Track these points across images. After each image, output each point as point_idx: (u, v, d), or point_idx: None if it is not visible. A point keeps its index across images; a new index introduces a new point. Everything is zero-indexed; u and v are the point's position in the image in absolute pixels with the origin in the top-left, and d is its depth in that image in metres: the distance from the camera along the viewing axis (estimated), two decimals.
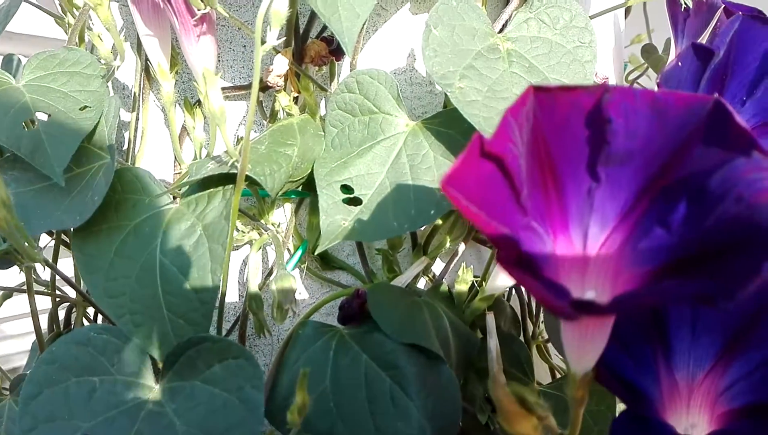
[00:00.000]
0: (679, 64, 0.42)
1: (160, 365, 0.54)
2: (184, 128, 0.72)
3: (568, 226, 0.35)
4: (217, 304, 0.56)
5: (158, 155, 0.73)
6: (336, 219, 0.55)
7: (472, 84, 0.51)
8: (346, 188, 0.57)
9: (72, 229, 0.57)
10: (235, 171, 0.50)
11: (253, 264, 0.60)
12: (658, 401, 0.42)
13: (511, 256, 0.28)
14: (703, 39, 0.70)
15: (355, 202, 0.56)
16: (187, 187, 0.57)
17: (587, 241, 0.35)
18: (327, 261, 0.70)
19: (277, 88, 0.56)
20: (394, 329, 0.53)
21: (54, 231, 0.76)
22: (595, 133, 0.34)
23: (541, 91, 0.33)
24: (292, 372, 0.55)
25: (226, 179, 0.54)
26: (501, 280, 0.58)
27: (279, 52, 0.56)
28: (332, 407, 0.52)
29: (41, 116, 0.61)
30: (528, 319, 0.69)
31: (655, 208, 0.33)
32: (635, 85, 0.99)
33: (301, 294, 0.70)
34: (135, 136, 0.74)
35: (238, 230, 0.67)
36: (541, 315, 0.70)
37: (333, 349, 0.55)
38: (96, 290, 0.55)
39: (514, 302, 0.71)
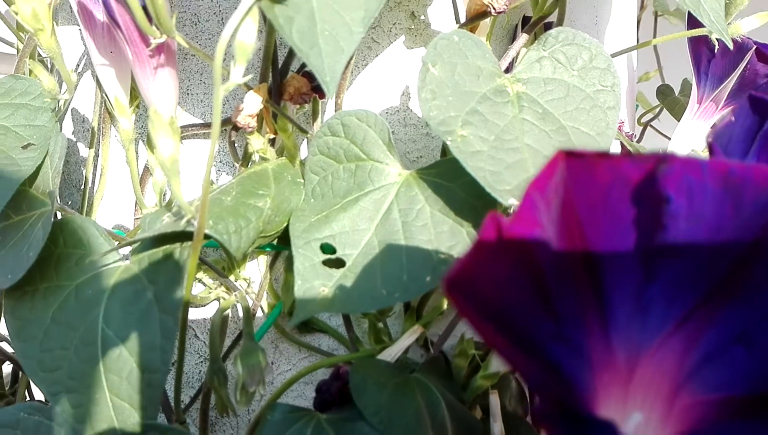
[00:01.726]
0: (733, 119, 0.35)
1: None
2: (146, 168, 0.63)
3: (609, 335, 0.27)
4: (172, 376, 0.48)
5: (119, 196, 0.65)
6: (314, 284, 0.47)
7: (476, 132, 0.43)
8: (326, 247, 0.49)
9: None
10: (193, 229, 0.42)
11: (216, 332, 0.51)
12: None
13: (548, 400, 0.19)
14: (731, 82, 0.63)
15: (338, 264, 0.48)
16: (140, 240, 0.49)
17: (633, 353, 0.27)
18: (306, 323, 0.61)
19: (249, 130, 0.48)
20: (381, 419, 0.45)
21: None
22: (647, 215, 0.26)
23: (573, 158, 0.25)
24: None
25: (183, 235, 0.46)
26: None
27: (251, 88, 0.48)
28: None
29: None
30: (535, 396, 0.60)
31: (731, 315, 0.25)
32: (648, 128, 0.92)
33: (276, 361, 0.61)
34: (94, 174, 0.66)
35: (204, 285, 0.59)
36: None
37: None
38: (29, 362, 0.47)
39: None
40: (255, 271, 0.61)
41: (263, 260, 0.60)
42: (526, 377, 0.22)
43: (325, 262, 0.48)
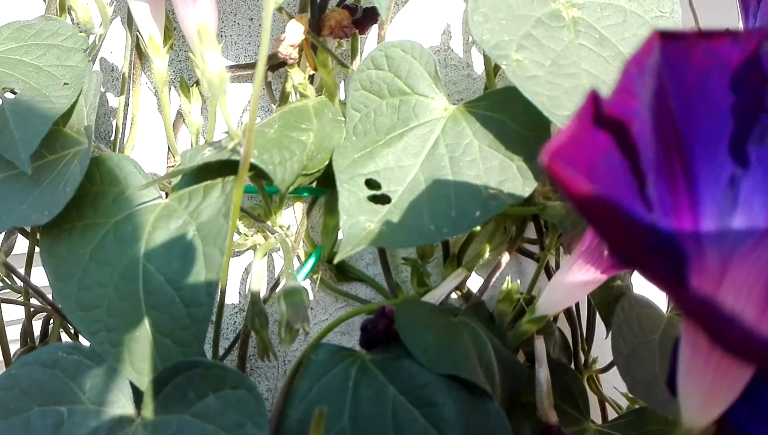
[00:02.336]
0: None
1: (143, 394, 0.44)
2: (179, 114, 0.62)
3: (699, 232, 0.25)
4: (213, 320, 0.46)
5: (149, 146, 0.64)
6: (359, 220, 0.45)
7: (531, 56, 0.42)
8: (371, 184, 0.47)
9: (41, 227, 0.48)
10: (237, 158, 0.41)
11: (256, 273, 0.50)
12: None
13: (663, 267, 0.18)
14: None
15: (383, 200, 0.46)
16: (179, 178, 0.47)
17: (725, 252, 0.25)
18: (343, 271, 0.60)
19: (290, 62, 0.47)
20: (429, 357, 0.43)
21: (28, 230, 0.66)
22: (747, 100, 0.24)
23: (668, 40, 0.24)
24: (303, 406, 0.45)
25: (225, 169, 0.44)
26: (558, 298, 0.48)
27: (292, 17, 0.46)
28: None
29: (9, 95, 0.51)
30: (580, 345, 0.59)
31: None
32: None
33: (313, 310, 0.60)
34: (124, 124, 0.65)
35: (239, 233, 0.58)
36: (594, 340, 0.60)
37: (353, 379, 0.45)
38: (66, 301, 0.45)
39: (561, 324, 0.61)
40: (291, 220, 0.60)
41: (299, 208, 0.59)
42: (632, 259, 0.21)
43: (370, 198, 0.46)
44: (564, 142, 0.20)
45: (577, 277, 0.46)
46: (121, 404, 0.45)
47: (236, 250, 0.59)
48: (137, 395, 0.45)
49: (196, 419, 0.43)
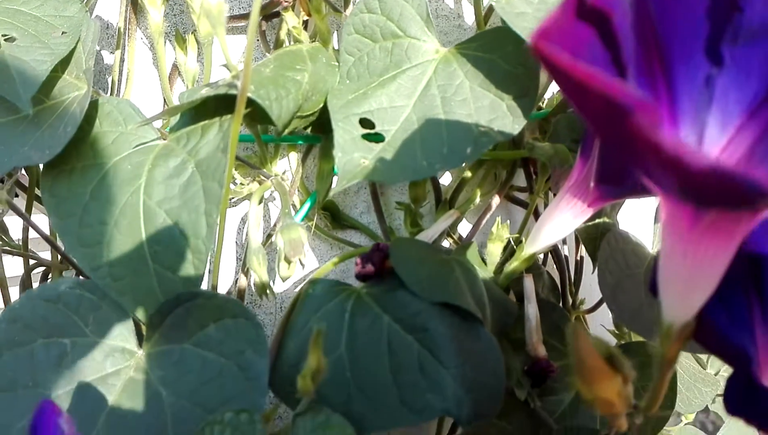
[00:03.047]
0: None
1: (144, 326, 0.45)
2: (174, 67, 0.63)
3: (677, 125, 0.27)
4: (212, 256, 0.48)
5: (145, 100, 0.65)
6: (354, 157, 0.46)
7: None
8: (365, 123, 0.48)
9: (42, 168, 0.49)
10: (235, 92, 0.42)
11: (253, 216, 0.51)
12: (756, 362, 0.33)
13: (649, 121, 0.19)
14: None
15: (377, 138, 0.48)
16: (177, 120, 0.48)
17: (703, 144, 0.27)
18: (338, 219, 0.61)
19: (285, 5, 0.48)
20: (423, 287, 0.45)
21: (26, 185, 0.67)
22: (722, 2, 0.26)
23: None
24: (301, 336, 0.46)
25: (222, 107, 0.45)
26: (547, 233, 0.49)
27: None
28: (348, 378, 0.44)
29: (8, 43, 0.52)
30: (567, 288, 0.60)
31: None
32: None
33: (308, 256, 0.61)
34: (119, 79, 0.66)
35: (235, 183, 0.59)
36: (582, 282, 0.62)
37: (349, 311, 0.47)
38: (68, 238, 0.47)
39: (550, 269, 0.62)
40: (286, 169, 0.61)
41: (294, 158, 0.60)
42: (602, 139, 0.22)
43: (365, 137, 0.48)
44: (549, 26, 0.22)
45: (564, 211, 0.48)
46: (124, 337, 0.46)
47: (232, 199, 0.60)
48: (139, 328, 0.46)
49: (197, 348, 0.44)
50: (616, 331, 0.61)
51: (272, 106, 0.44)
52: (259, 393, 0.42)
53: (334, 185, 0.56)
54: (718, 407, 0.91)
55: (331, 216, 0.61)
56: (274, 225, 0.61)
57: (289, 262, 0.47)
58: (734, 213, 0.23)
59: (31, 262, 0.69)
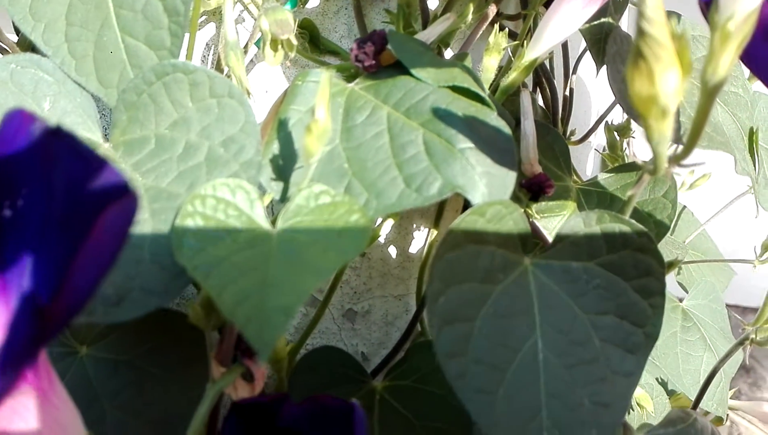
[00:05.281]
0: None
1: (112, 111, 0.40)
2: None
3: None
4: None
5: None
6: None
7: None
8: None
9: None
10: None
11: (229, 8, 0.45)
12: None
13: None
14: None
15: None
16: None
17: None
18: (316, 43, 0.56)
19: None
20: (428, 71, 0.41)
21: None
22: None
23: None
24: (290, 133, 0.42)
25: None
26: (548, 35, 0.46)
27: None
28: (346, 168, 0.40)
29: None
30: (558, 118, 0.58)
31: None
32: None
33: (281, 82, 0.56)
34: None
35: None
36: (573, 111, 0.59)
37: (343, 106, 0.43)
38: (18, 11, 0.40)
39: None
40: None
41: None
42: None
43: None
44: None
45: (566, 10, 0.45)
46: (87, 126, 0.41)
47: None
48: (104, 114, 0.41)
49: (175, 132, 0.39)
50: (610, 154, 0.60)
51: None
52: (253, 178, 0.38)
53: None
54: None
55: (310, 40, 0.56)
56: (245, 46, 0.55)
57: (275, 47, 0.42)
58: None
59: None
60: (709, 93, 0.29)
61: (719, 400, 0.70)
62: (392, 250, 0.61)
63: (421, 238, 0.62)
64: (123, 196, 0.20)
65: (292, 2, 0.50)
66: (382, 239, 0.61)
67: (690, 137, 0.31)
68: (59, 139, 0.23)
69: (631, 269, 0.39)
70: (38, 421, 0.26)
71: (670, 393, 0.73)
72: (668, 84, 0.26)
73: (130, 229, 0.20)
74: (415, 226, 0.61)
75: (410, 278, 0.62)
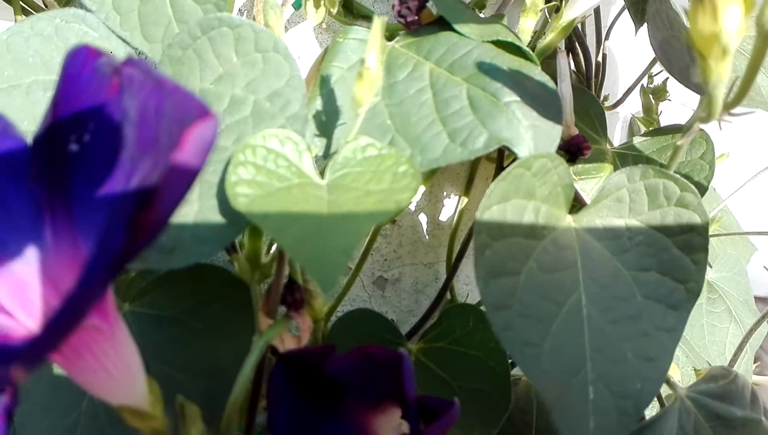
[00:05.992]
0: None
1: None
2: None
3: None
4: None
5: None
6: None
7: None
8: None
9: None
10: None
11: None
12: None
13: None
14: None
15: None
16: None
17: None
18: (350, 8, 0.56)
19: None
20: (471, 27, 0.41)
21: None
22: None
23: None
24: (332, 90, 0.42)
25: None
26: (584, 0, 0.46)
27: None
28: (389, 125, 0.40)
29: None
30: (593, 83, 0.58)
31: None
32: None
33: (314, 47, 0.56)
34: None
35: None
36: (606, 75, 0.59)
37: (384, 65, 0.43)
38: None
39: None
40: None
41: None
42: None
43: None
44: None
45: None
46: None
47: None
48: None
49: (220, 87, 0.39)
50: (645, 117, 0.60)
51: None
52: (299, 132, 0.38)
53: None
54: None
55: (344, 5, 0.56)
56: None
57: (318, 4, 0.42)
58: None
59: None
60: (766, 36, 0.29)
61: (744, 371, 0.71)
62: (422, 218, 0.61)
63: (451, 207, 0.62)
64: (203, 115, 0.20)
65: (297, 3, 0.49)
66: (412, 207, 0.61)
67: (743, 82, 0.31)
68: (133, 67, 0.23)
69: (673, 225, 0.39)
70: (105, 356, 0.27)
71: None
72: (732, 20, 0.26)
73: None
74: (445, 193, 0.62)
75: (440, 246, 0.62)
